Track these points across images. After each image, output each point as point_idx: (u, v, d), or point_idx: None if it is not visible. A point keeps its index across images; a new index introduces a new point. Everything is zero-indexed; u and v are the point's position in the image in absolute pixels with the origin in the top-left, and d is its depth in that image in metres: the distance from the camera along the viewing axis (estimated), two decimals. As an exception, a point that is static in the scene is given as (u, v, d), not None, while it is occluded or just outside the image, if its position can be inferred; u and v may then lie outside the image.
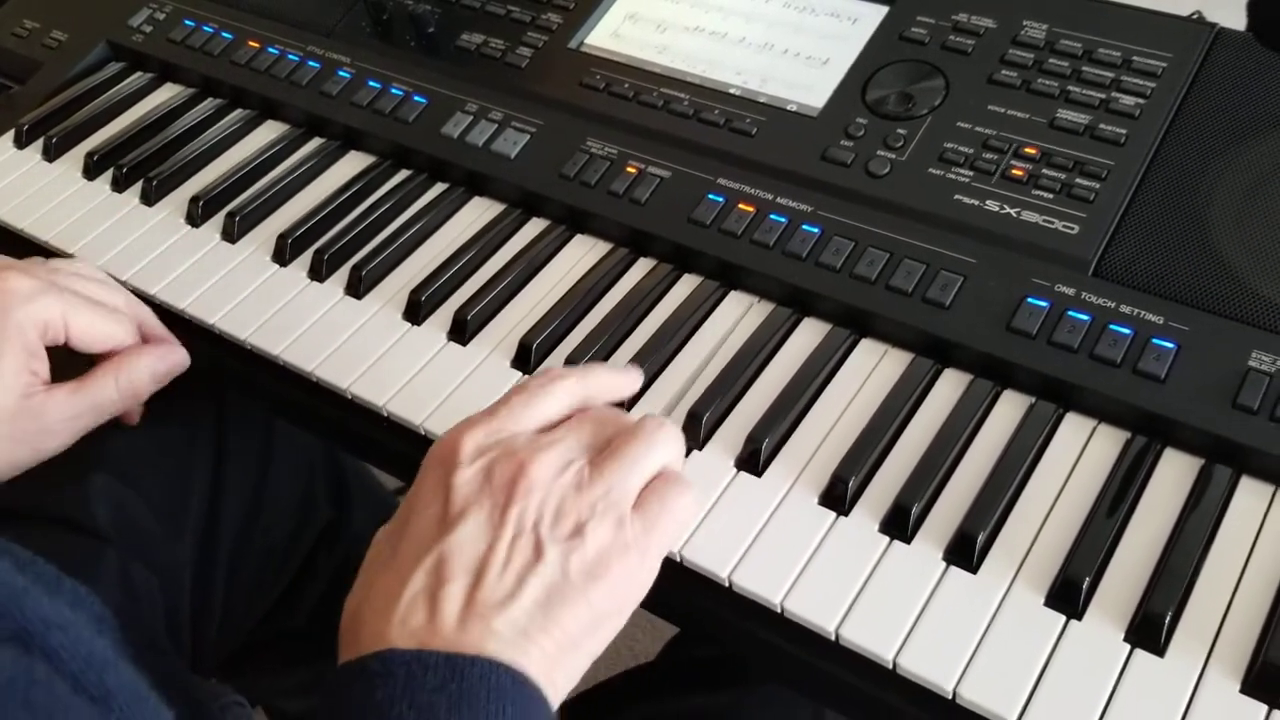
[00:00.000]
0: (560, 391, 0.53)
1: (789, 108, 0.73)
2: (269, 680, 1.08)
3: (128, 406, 0.66)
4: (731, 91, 0.75)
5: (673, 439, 0.52)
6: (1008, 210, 0.64)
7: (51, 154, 0.84)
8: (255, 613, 0.87)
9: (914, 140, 0.68)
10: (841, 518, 0.55)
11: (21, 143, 0.86)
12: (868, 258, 0.64)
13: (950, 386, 0.60)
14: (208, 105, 0.87)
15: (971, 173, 0.66)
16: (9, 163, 0.85)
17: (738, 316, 0.66)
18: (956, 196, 0.65)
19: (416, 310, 0.69)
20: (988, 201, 0.64)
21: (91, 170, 0.82)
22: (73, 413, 0.63)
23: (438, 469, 0.49)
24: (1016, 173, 0.65)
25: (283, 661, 1.01)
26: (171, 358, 0.67)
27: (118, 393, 0.64)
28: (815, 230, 0.66)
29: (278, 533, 0.86)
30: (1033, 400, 0.59)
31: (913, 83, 0.70)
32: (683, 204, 0.70)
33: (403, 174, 0.79)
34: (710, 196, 0.69)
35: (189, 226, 0.77)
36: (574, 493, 0.48)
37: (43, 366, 0.62)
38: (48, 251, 0.78)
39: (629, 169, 0.72)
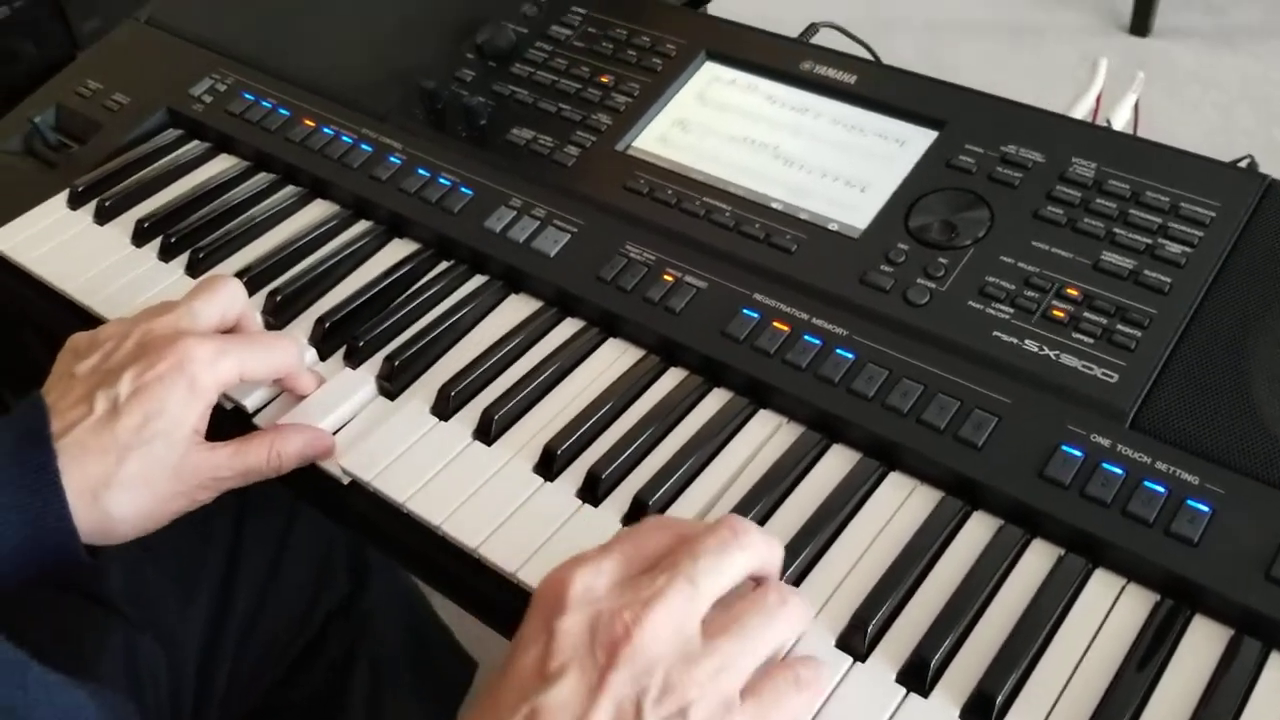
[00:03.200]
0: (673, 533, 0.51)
1: (830, 226, 0.73)
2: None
3: (271, 475, 0.67)
4: (774, 205, 0.75)
5: (797, 616, 0.50)
6: (1047, 352, 0.63)
7: (103, 217, 0.86)
8: (261, 684, 0.86)
9: (955, 271, 0.68)
10: (859, 663, 0.54)
11: (75, 204, 0.88)
12: (901, 388, 0.63)
13: (979, 530, 0.59)
14: (260, 179, 0.88)
15: (1012, 309, 0.65)
16: (60, 223, 0.87)
17: (766, 436, 0.66)
18: (995, 333, 0.64)
19: (445, 405, 0.69)
20: (1027, 341, 0.64)
21: (141, 237, 0.84)
22: (228, 474, 0.65)
23: (543, 609, 0.48)
24: (1057, 313, 0.64)
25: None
26: (321, 443, 0.67)
27: (267, 464, 0.66)
28: (849, 355, 0.65)
29: (292, 607, 0.85)
30: (1062, 552, 0.57)
31: (957, 211, 0.70)
32: (717, 317, 0.70)
33: (444, 264, 0.80)
34: (745, 311, 0.69)
35: (230, 302, 0.78)
36: (681, 665, 0.45)
37: (205, 425, 0.64)
38: (88, 317, 0.79)
39: (666, 276, 0.72)
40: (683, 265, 0.73)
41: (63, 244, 0.85)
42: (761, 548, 0.51)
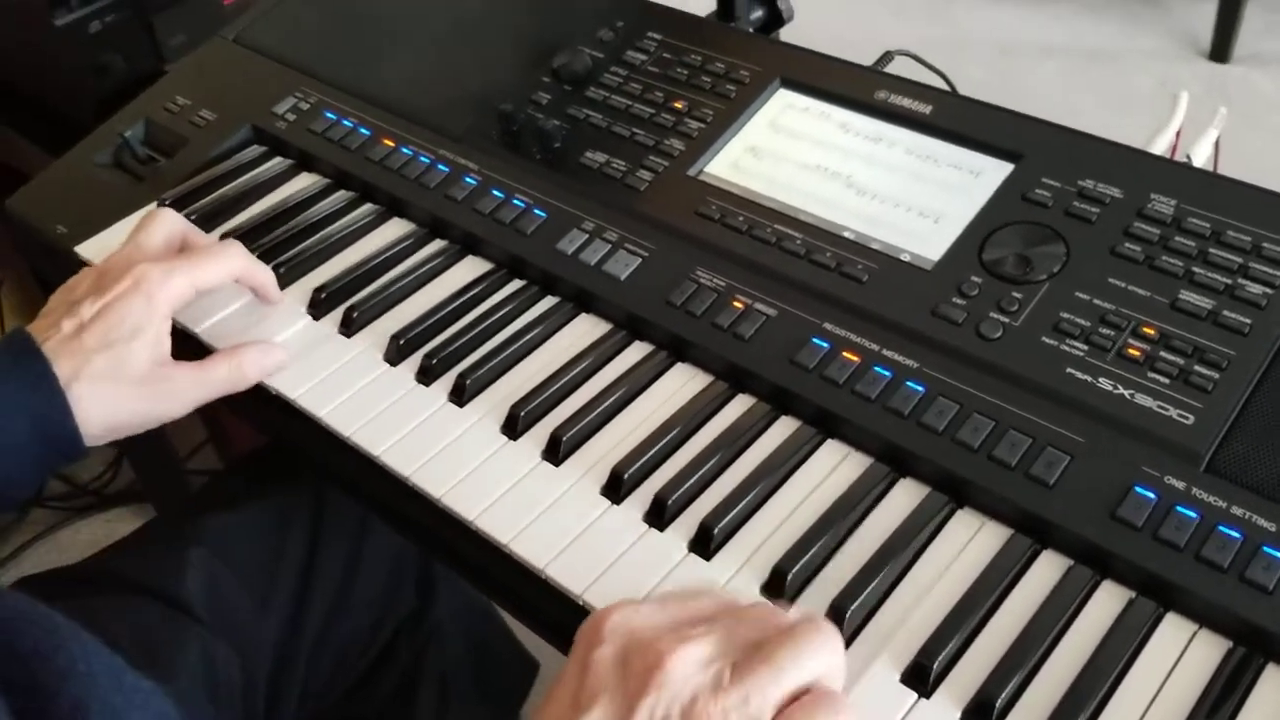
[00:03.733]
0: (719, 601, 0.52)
1: (902, 257, 0.73)
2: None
3: (237, 388, 0.74)
4: (845, 235, 0.75)
5: (830, 648, 0.49)
6: (1121, 391, 0.62)
7: (188, 232, 0.88)
8: (332, 694, 0.88)
9: (1029, 306, 0.67)
10: (923, 700, 0.53)
11: (162, 217, 0.90)
12: (972, 424, 0.63)
13: (1048, 569, 0.59)
14: (340, 197, 0.90)
15: (1086, 347, 0.64)
16: (148, 235, 0.89)
17: (832, 466, 0.66)
18: (1069, 370, 0.64)
19: (515, 425, 0.70)
20: (1101, 379, 0.63)
21: (224, 251, 0.86)
22: (192, 383, 0.72)
23: (582, 645, 0.49)
24: (1133, 352, 0.63)
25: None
26: (274, 355, 0.75)
27: (229, 374, 0.74)
28: (919, 388, 0.65)
29: (363, 618, 0.87)
30: (1132, 595, 0.57)
31: (1032, 246, 0.70)
32: (786, 345, 0.70)
33: (516, 284, 0.81)
34: (814, 340, 0.69)
35: (310, 317, 0.80)
36: (709, 693, 0.46)
37: (168, 341, 0.72)
38: (175, 330, 0.81)
39: (735, 303, 0.73)
40: (753, 292, 0.73)
41: (149, 256, 0.87)
42: (820, 653, 0.49)
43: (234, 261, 0.76)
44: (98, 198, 0.94)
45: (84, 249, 0.88)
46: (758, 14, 1.12)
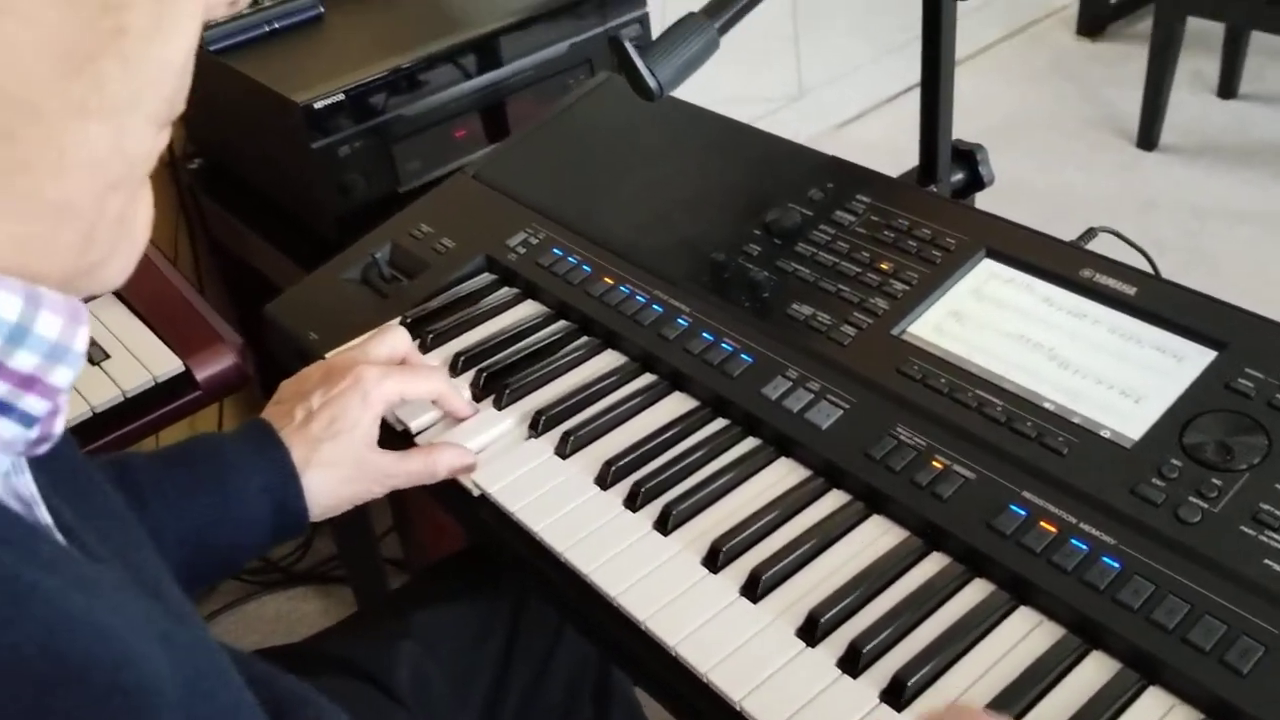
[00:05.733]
0: None
1: (1102, 433, 0.75)
2: None
3: (427, 481, 0.84)
4: (1046, 405, 0.78)
5: None
6: (1323, 589, 0.63)
7: (425, 348, 0.98)
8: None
9: (1229, 493, 0.69)
10: None
11: (402, 333, 1.00)
12: (1167, 605, 0.65)
13: (1240, 760, 0.59)
14: (560, 326, 0.99)
15: (1287, 541, 0.66)
16: (388, 348, 0.99)
17: (1024, 633, 0.68)
18: (1266, 561, 0.65)
19: (715, 559, 0.75)
20: (1302, 575, 0.64)
21: (457, 369, 0.95)
22: (393, 472, 0.83)
23: None
24: (1337, 551, 0.64)
25: None
26: (465, 459, 0.85)
27: (425, 469, 0.84)
28: (1116, 565, 0.67)
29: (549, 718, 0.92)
30: (1329, 797, 0.57)
31: (1233, 434, 0.72)
32: (984, 509, 0.73)
33: (720, 422, 0.87)
34: (1012, 508, 0.72)
35: (530, 435, 0.88)
36: None
37: (376, 433, 0.83)
38: (404, 435, 0.90)
39: (934, 463, 0.77)
40: (952, 454, 0.77)
41: (389, 368, 0.97)
42: None
43: (437, 385, 0.88)
44: (346, 310, 1.05)
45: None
46: (958, 176, 1.17)
